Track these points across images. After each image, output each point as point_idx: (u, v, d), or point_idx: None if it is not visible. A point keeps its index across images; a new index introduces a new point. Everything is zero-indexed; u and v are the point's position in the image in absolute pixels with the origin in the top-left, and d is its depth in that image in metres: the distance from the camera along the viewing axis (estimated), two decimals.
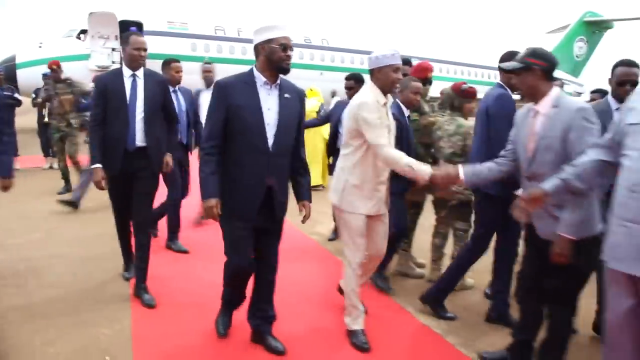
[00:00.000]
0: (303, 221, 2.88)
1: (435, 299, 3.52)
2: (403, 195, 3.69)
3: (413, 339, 3.16)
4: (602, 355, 2.25)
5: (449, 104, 3.99)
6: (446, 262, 4.10)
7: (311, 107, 7.57)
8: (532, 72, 2.48)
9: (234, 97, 2.61)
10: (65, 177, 7.25)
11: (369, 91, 2.97)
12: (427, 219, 4.38)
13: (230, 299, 3.04)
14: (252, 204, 2.68)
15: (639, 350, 2.07)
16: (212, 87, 2.84)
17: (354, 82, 4.68)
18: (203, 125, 3.03)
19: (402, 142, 3.48)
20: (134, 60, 3.45)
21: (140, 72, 3.51)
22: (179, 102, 4.67)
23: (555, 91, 2.51)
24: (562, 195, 2.30)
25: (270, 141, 2.66)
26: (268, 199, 2.71)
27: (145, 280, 3.61)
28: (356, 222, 2.99)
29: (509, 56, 3.02)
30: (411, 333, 3.26)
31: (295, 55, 18.66)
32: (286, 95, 2.71)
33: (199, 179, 2.66)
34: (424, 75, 4.26)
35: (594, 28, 30.39)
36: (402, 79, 3.17)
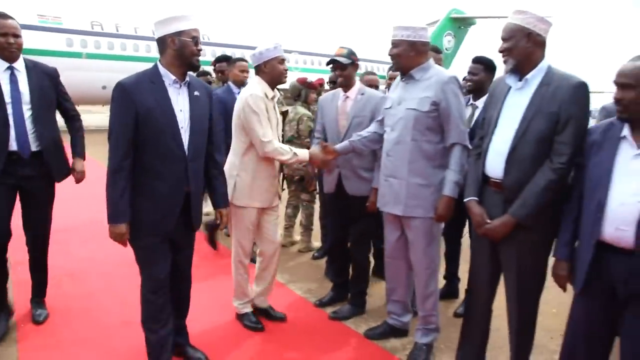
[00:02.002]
0: (221, 228, 2.74)
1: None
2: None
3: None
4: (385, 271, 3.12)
5: (294, 94, 4.73)
6: (297, 229, 4.91)
7: None
8: (354, 66, 3.27)
9: (141, 100, 2.29)
10: None
11: (257, 85, 2.98)
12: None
13: (157, 338, 2.54)
14: (170, 216, 2.45)
15: (409, 265, 2.94)
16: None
17: (226, 63, 5.00)
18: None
19: None
20: (2, 49, 2.85)
21: (20, 64, 2.96)
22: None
23: (359, 83, 3.32)
24: (349, 153, 3.11)
25: (186, 146, 2.42)
26: (185, 208, 2.51)
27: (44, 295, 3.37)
28: (248, 216, 3.05)
29: None
30: None
31: None
32: (196, 93, 2.48)
33: (106, 199, 2.33)
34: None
35: (460, 24, 33.59)
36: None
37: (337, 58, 3.22)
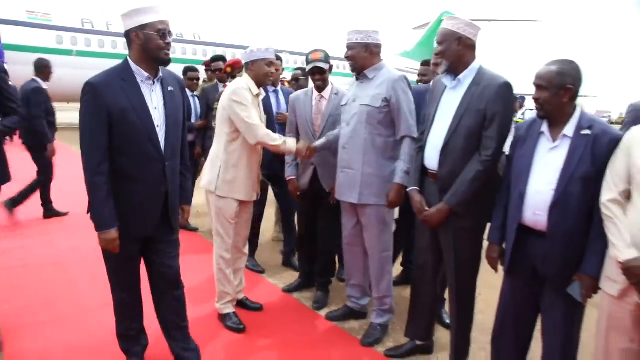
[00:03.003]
0: (182, 223, 2.66)
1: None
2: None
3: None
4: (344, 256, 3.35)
5: None
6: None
7: None
8: (330, 70, 3.47)
9: (113, 100, 2.19)
10: None
11: (243, 81, 3.09)
12: None
13: (127, 333, 2.60)
14: (150, 219, 2.39)
15: (365, 250, 3.17)
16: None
17: (222, 62, 5.27)
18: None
19: None
20: None
21: None
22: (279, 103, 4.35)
23: (331, 83, 3.54)
24: (326, 150, 3.28)
25: (163, 145, 2.34)
26: (163, 207, 2.44)
27: None
28: (229, 208, 3.10)
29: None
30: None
31: None
32: (170, 88, 2.40)
33: (90, 207, 2.27)
34: (235, 68, 4.81)
35: None
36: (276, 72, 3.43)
37: (318, 64, 3.35)
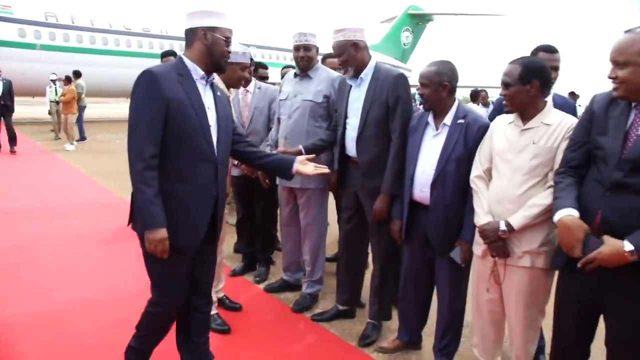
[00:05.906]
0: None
1: None
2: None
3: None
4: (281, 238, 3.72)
5: None
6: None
7: None
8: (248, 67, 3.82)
9: (172, 91, 2.09)
10: None
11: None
12: None
13: (146, 348, 2.38)
14: (200, 227, 2.24)
15: (299, 230, 3.55)
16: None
17: (174, 57, 5.41)
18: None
19: None
20: None
21: None
22: None
23: (254, 80, 3.91)
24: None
25: (215, 146, 2.25)
26: (212, 215, 2.31)
27: None
28: None
29: None
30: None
31: (134, 44, 18.81)
32: (218, 93, 2.37)
33: (137, 204, 2.07)
34: None
35: (417, 20, 34.62)
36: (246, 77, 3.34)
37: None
